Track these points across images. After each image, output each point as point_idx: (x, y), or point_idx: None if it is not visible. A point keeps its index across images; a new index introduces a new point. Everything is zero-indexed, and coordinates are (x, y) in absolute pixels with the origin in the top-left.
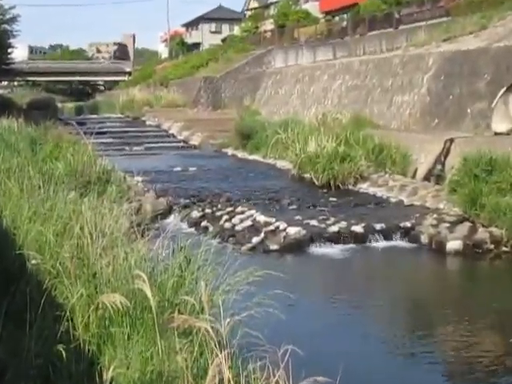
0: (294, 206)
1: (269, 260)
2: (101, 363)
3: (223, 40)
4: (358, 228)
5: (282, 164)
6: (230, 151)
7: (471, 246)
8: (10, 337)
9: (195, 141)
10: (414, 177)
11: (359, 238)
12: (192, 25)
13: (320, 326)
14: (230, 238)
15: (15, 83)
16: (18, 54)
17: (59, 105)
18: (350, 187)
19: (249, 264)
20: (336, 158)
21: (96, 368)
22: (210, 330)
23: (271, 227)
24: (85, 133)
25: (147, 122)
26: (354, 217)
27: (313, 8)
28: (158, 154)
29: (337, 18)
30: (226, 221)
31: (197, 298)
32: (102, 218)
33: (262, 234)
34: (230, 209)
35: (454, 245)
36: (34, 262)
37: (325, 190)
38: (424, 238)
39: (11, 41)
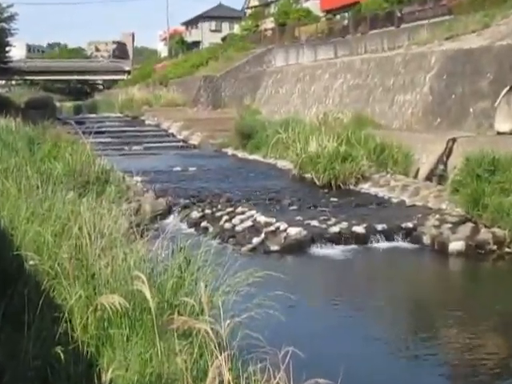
0: (295, 207)
1: (269, 261)
2: (99, 365)
3: (223, 39)
4: (360, 229)
5: (282, 164)
6: (230, 151)
7: (474, 246)
8: (8, 339)
9: (195, 140)
10: (415, 177)
11: (360, 239)
12: (192, 23)
13: (321, 328)
14: (230, 239)
15: (13, 82)
16: (16, 52)
17: (57, 104)
18: (352, 187)
19: (249, 265)
20: (337, 157)
21: (94, 370)
22: (210, 332)
23: (272, 228)
24: (83, 132)
25: (146, 122)
26: (355, 217)
27: (314, 6)
28: (158, 154)
29: (338, 17)
30: (226, 221)
31: (196, 299)
32: (100, 219)
33: (263, 235)
34: (230, 209)
35: (456, 246)
36: (31, 262)
37: (326, 191)
38: (426, 239)
39: (9, 39)
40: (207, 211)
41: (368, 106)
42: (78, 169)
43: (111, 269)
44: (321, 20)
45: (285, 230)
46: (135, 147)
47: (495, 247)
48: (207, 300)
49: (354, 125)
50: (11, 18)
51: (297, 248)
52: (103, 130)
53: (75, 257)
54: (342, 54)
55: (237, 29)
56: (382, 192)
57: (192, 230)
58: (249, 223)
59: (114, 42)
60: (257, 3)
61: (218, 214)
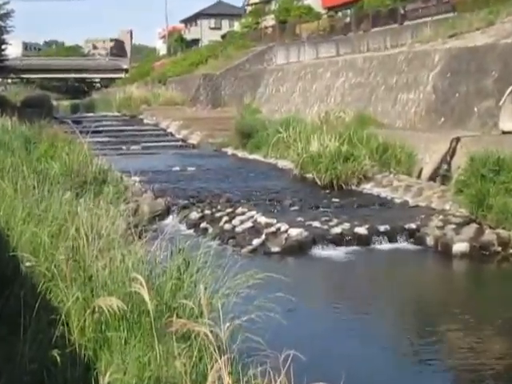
0: (296, 207)
1: (270, 262)
2: (97, 368)
3: (223, 36)
4: (362, 230)
5: (283, 164)
6: (229, 150)
7: (478, 248)
8: (4, 341)
9: (194, 140)
10: (419, 177)
11: (363, 240)
12: (191, 21)
13: (322, 331)
14: (230, 240)
15: (9, 80)
16: (12, 50)
17: (54, 103)
18: (354, 187)
19: (249, 266)
20: (339, 157)
21: (92, 373)
22: (210, 335)
23: (272, 229)
24: (81, 132)
25: (145, 121)
26: (357, 218)
27: (315, 3)
28: (156, 154)
29: (340, 14)
30: (226, 222)
31: (196, 302)
32: (98, 219)
33: (263, 236)
34: (229, 210)
35: (460, 247)
36: (28, 264)
37: (327, 191)
38: (429, 240)
39: (5, 37)
40: (207, 212)
41: (370, 105)
42: (75, 169)
43: (109, 270)
44: (322, 17)
45: (286, 231)
46: (133, 147)
47: (500, 249)
48: (207, 302)
49: (356, 124)
50: (7, 15)
51: (298, 249)
52: (101, 129)
53: (72, 258)
54: (343, 52)
55: (237, 26)
56: (384, 192)
57: (191, 231)
58: (249, 224)
59: (111, 40)
60: (257, 0)
61: (218, 214)
